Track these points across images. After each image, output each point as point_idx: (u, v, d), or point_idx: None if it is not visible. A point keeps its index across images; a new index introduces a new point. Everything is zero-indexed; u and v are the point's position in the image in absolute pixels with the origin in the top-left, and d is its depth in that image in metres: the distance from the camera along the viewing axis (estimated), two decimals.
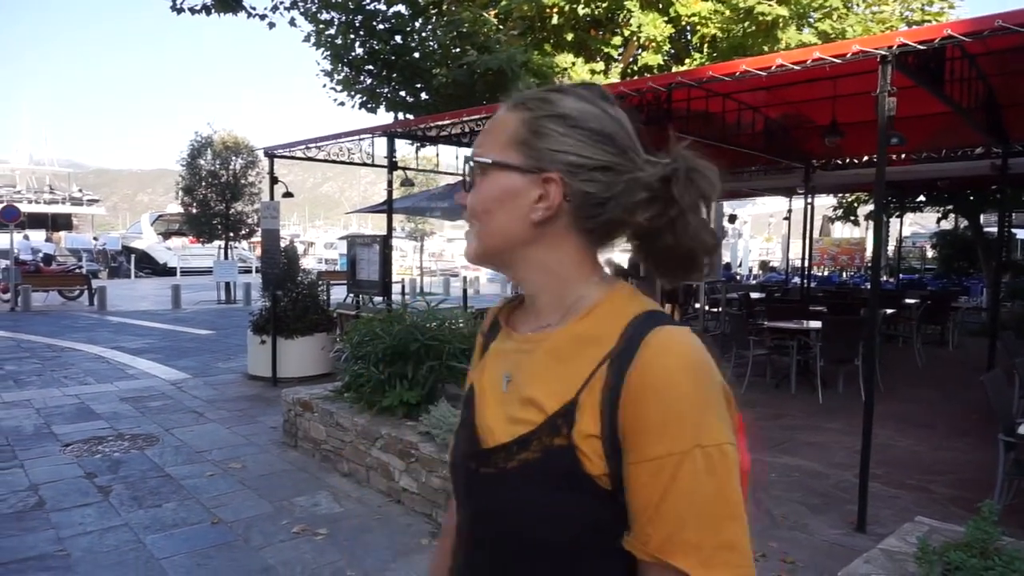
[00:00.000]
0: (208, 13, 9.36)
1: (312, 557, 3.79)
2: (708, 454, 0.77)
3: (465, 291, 12.78)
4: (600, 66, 9.04)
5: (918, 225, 33.59)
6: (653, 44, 8.63)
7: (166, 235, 36.50)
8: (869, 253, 27.29)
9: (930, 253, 25.04)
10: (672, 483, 0.77)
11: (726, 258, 19.81)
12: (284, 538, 4.03)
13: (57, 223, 38.58)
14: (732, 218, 19.75)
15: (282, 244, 8.27)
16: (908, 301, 10.88)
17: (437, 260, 36.83)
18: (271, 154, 8.54)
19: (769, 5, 8.13)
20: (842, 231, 26.08)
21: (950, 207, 15.06)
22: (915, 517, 3.34)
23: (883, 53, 3.96)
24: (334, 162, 8.74)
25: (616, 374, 0.82)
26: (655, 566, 0.79)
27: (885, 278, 18.04)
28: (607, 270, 0.96)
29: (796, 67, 4.31)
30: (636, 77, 8.61)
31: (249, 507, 4.49)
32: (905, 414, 6.70)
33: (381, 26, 9.60)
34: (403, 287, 15.24)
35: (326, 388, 5.82)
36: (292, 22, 10.00)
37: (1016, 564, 2.39)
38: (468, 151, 1.04)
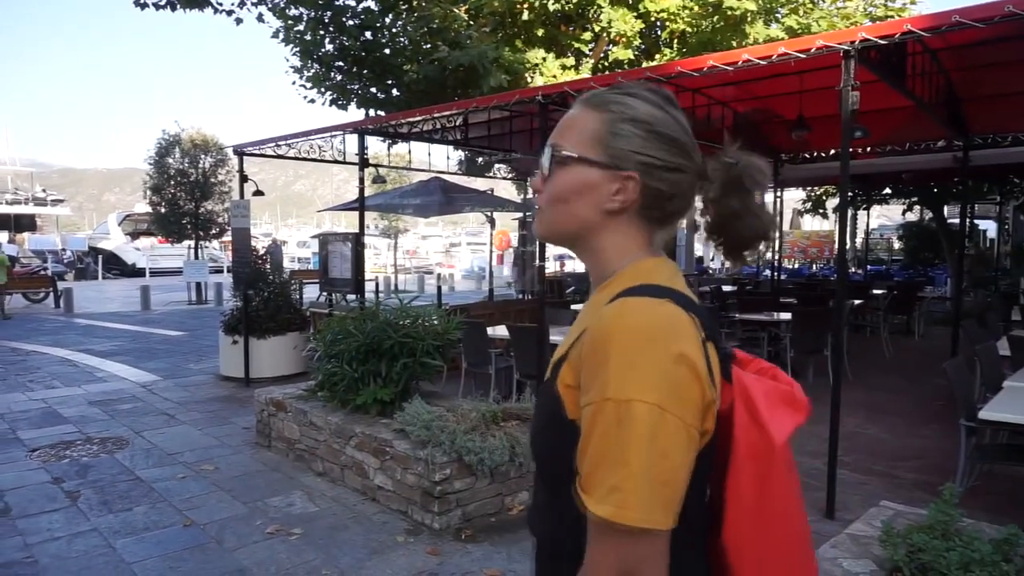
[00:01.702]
0: (173, 9, 9.20)
1: (287, 557, 3.77)
2: (616, 407, 0.86)
3: (439, 288, 12.75)
4: (571, 61, 9.07)
5: (885, 217, 34.17)
6: (623, 39, 8.67)
7: (134, 235, 35.77)
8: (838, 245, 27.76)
9: (896, 244, 25.51)
10: (590, 429, 0.89)
11: (698, 252, 19.99)
12: (258, 539, 4.00)
13: (20, 224, 37.62)
14: (703, 213, 19.89)
15: (262, 244, 8.18)
16: (875, 292, 11.09)
17: (412, 257, 36.65)
18: (240, 152, 8.42)
19: (737, 0, 8.22)
20: (812, 224, 26.43)
21: (915, 199, 15.36)
22: (880, 502, 3.42)
23: (846, 48, 4.03)
24: (305, 160, 8.65)
25: (586, 333, 0.96)
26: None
27: (853, 269, 18.36)
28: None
29: (762, 62, 4.36)
30: (607, 72, 8.64)
31: (222, 508, 4.45)
32: (873, 402, 6.85)
33: (351, 22, 9.52)
34: (377, 285, 15.14)
35: (299, 387, 5.78)
36: (260, 18, 9.87)
37: (975, 544, 2.46)
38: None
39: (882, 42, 4.02)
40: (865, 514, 3.21)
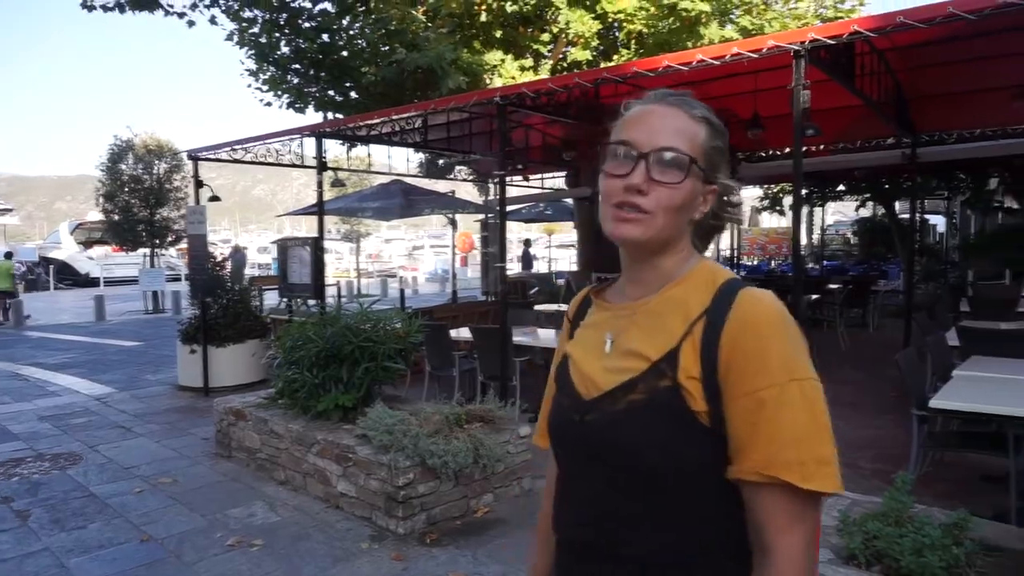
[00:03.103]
0: (122, 11, 8.96)
1: (248, 569, 3.70)
2: (801, 386, 0.94)
3: (402, 292, 12.67)
4: (530, 63, 9.09)
5: (840, 213, 34.98)
6: (581, 40, 8.72)
7: (87, 244, 34.73)
8: None
9: (852, 240, 26.14)
10: (775, 411, 0.93)
11: None
12: (218, 551, 3.92)
13: None
14: None
15: (220, 251, 8.02)
16: (832, 286, 11.34)
17: (375, 261, 36.35)
18: (195, 157, 8.26)
19: (691, 1, 8.33)
20: (770, 221, 26.92)
21: (867, 195, 15.76)
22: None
23: (796, 48, 4.12)
24: (262, 164, 8.51)
25: (712, 326, 0.99)
26: (762, 485, 0.94)
27: (811, 265, 18.76)
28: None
29: (716, 62, 4.43)
30: (565, 74, 8.68)
31: (181, 522, 4.35)
32: (830, 394, 6.86)
33: (307, 24, 9.40)
34: (338, 289, 14.96)
35: (259, 395, 5.68)
36: (212, 20, 9.67)
37: (926, 529, 2.53)
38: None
39: (831, 42, 4.12)
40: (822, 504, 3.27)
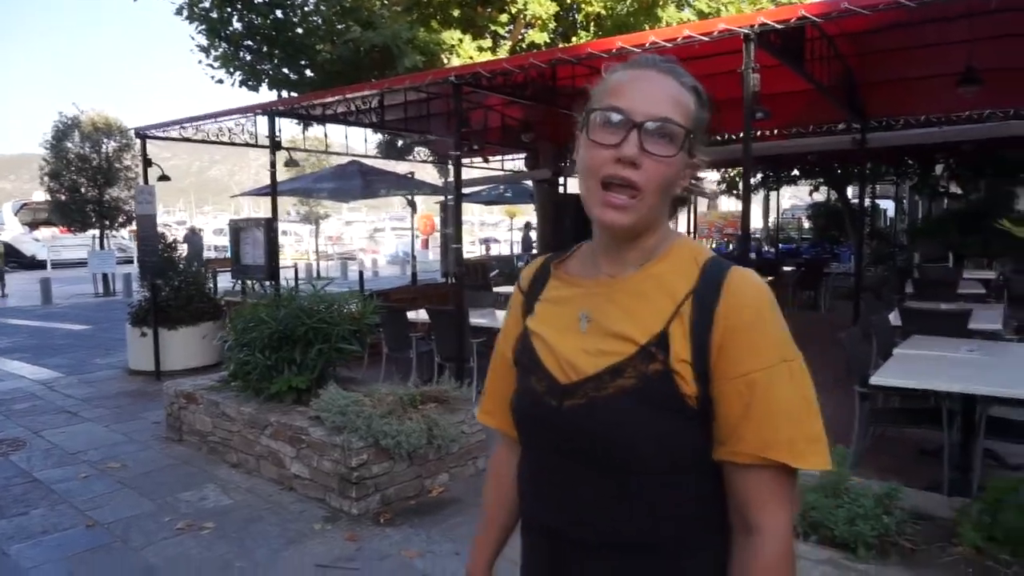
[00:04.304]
0: None
1: (198, 552, 3.66)
2: (790, 367, 0.95)
3: (361, 274, 12.55)
4: (488, 43, 9.02)
5: (797, 198, 35.69)
6: (539, 22, 8.69)
7: (33, 225, 33.56)
8: (753, 225, 28.87)
9: (807, 224, 26.71)
10: (766, 393, 0.92)
11: None
12: (167, 535, 3.86)
13: None
14: None
15: (174, 233, 7.82)
16: (785, 269, 11.61)
17: (335, 243, 35.87)
18: (143, 135, 8.03)
19: None
20: (728, 204, 27.34)
21: (820, 180, 16.10)
22: None
23: (746, 32, 4.17)
24: (214, 143, 8.31)
25: (702, 307, 0.96)
26: (751, 466, 0.94)
27: (766, 248, 19.13)
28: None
29: (668, 44, 4.45)
30: (521, 54, 8.63)
31: (129, 507, 4.27)
32: None
33: None
34: (296, 272, 14.75)
35: (211, 378, 5.59)
36: None
37: (861, 500, 2.63)
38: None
39: (779, 26, 4.18)
40: None
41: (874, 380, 3.95)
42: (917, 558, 2.46)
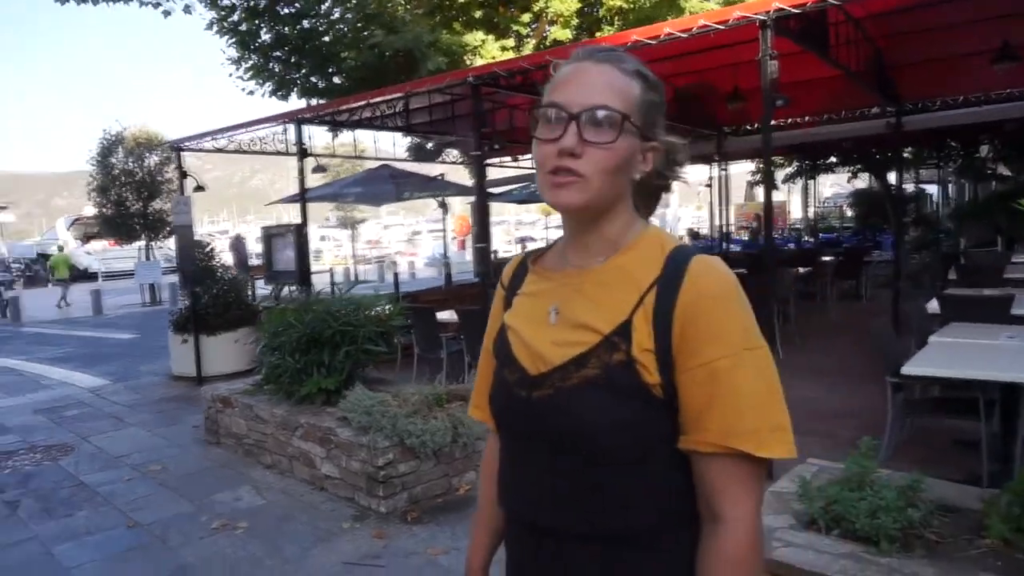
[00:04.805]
0: (95, 2, 8.91)
1: (231, 551, 3.76)
2: (754, 355, 0.94)
3: (396, 276, 12.69)
4: (511, 43, 9.04)
5: (838, 186, 34.85)
6: (562, 19, 8.67)
7: (85, 239, 34.86)
8: (792, 215, 28.25)
9: (849, 212, 26.06)
10: (728, 381, 0.92)
11: None
12: (203, 535, 3.98)
13: None
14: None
15: (214, 240, 8.03)
16: (824, 259, 11.34)
17: (373, 247, 36.33)
18: (178, 147, 8.27)
19: None
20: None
21: (859, 166, 15.70)
22: (806, 459, 3.52)
23: (761, 18, 4.10)
24: (246, 152, 8.52)
25: (665, 296, 0.96)
26: (716, 455, 0.93)
27: (806, 238, 18.74)
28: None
29: (683, 35, 4.41)
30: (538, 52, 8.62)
31: (168, 508, 4.41)
32: (817, 365, 7.02)
33: (286, 10, 9.34)
34: (331, 276, 14.99)
35: (246, 382, 5.73)
36: (187, 9, 9.62)
37: (883, 492, 2.57)
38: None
39: (796, 11, 4.10)
40: (789, 472, 3.30)
41: (906, 369, 3.84)
42: (943, 551, 2.39)
